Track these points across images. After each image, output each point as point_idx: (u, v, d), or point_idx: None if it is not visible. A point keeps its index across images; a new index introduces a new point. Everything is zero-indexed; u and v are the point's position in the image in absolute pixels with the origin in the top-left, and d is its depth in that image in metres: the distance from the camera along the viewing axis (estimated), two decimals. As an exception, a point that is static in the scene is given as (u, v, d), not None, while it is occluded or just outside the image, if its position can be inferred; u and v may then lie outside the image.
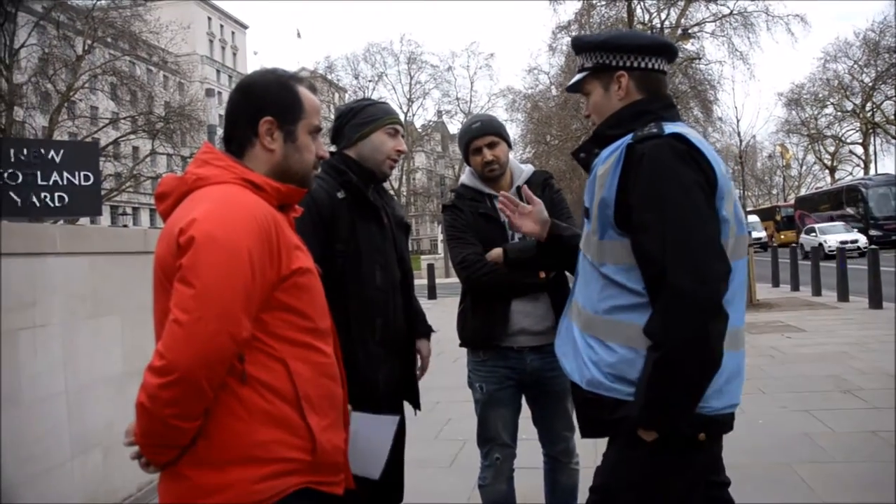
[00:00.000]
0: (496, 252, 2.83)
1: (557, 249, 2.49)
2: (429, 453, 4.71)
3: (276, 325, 1.57)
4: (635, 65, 1.91)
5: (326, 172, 2.52)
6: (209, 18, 65.13)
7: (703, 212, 1.70)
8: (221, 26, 67.84)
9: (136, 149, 38.58)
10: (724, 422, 1.80)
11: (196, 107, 34.98)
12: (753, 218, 41.89)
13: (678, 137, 1.75)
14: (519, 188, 2.98)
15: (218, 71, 64.08)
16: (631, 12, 25.54)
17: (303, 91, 1.76)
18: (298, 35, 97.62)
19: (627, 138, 1.78)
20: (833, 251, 23.65)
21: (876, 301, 11.37)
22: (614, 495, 1.84)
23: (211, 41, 65.24)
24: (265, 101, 1.71)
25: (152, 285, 1.59)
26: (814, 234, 29.73)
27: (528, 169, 3.08)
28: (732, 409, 1.82)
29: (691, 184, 1.70)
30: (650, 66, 1.92)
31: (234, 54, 68.75)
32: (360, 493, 2.29)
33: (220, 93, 59.45)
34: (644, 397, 1.69)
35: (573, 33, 30.21)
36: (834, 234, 28.70)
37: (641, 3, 28.39)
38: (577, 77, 2.02)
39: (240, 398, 1.52)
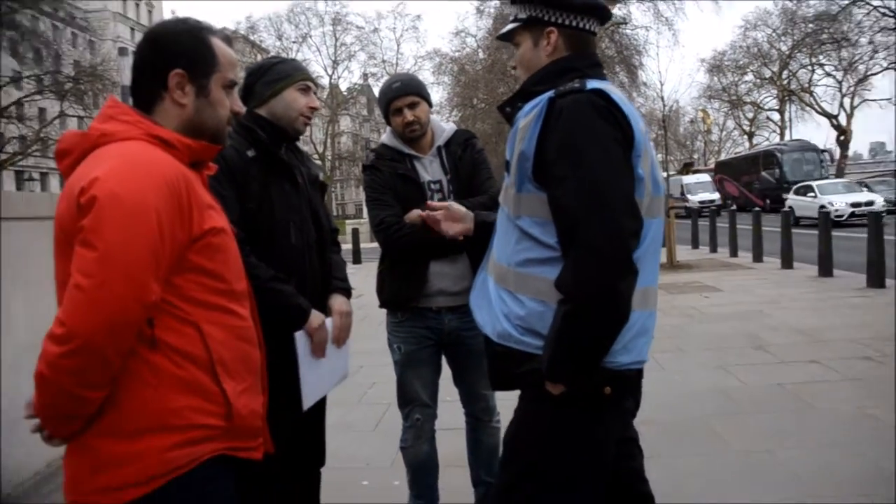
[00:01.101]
0: (415, 213, 2.79)
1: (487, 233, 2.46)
2: (352, 417, 4.69)
3: (189, 288, 1.50)
4: (566, 22, 1.89)
5: (236, 132, 2.44)
6: (120, -28, 61.81)
7: (618, 167, 1.70)
8: (135, -20, 64.60)
9: (42, 110, 36.53)
10: (630, 377, 1.81)
11: (109, 66, 33.38)
12: (704, 177, 40.16)
13: (599, 93, 1.74)
14: (443, 146, 2.94)
15: (132, 29, 60.74)
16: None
17: (216, 43, 1.66)
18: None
19: (550, 93, 1.77)
20: (842, 217, 21.10)
21: (788, 261, 11.89)
22: (525, 449, 1.84)
23: (123, -4, 62.11)
24: (175, 53, 1.61)
25: (53, 249, 1.49)
26: (811, 194, 24.06)
27: (450, 128, 3.04)
28: (639, 366, 1.83)
29: (608, 139, 1.70)
30: (581, 25, 1.90)
31: (150, 12, 65.39)
32: (280, 457, 2.28)
33: (134, 52, 56.97)
34: (551, 350, 1.68)
35: (501, -3, 30.14)
36: (839, 195, 23.42)
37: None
38: (509, 27, 1.99)
39: (150, 364, 1.44)
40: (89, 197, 1.37)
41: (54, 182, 49.01)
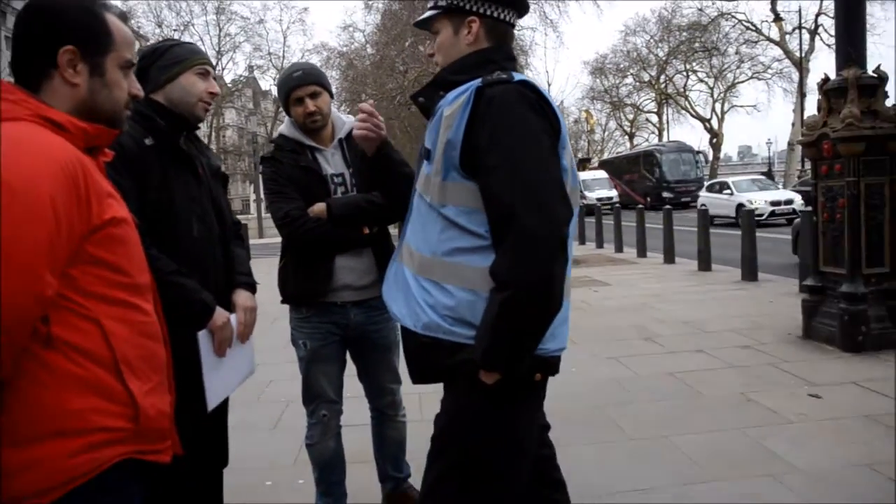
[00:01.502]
0: (319, 207, 2.72)
1: (383, 168, 2.55)
2: (251, 416, 4.54)
3: (88, 282, 1.37)
4: (488, 12, 1.89)
5: (132, 119, 2.27)
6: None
7: (549, 157, 1.72)
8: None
9: None
10: (554, 364, 1.85)
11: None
12: (601, 174, 38.36)
13: (526, 84, 1.76)
14: (344, 139, 2.88)
15: (-2, 10, 56.84)
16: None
17: (111, 19, 1.53)
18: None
19: (476, 82, 1.76)
20: (762, 216, 18.39)
21: (670, 257, 12.48)
22: (456, 441, 1.82)
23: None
24: (65, 27, 1.47)
25: None
26: (727, 191, 22.64)
27: (350, 120, 2.97)
28: (561, 353, 1.86)
29: (538, 130, 1.72)
30: (501, 16, 1.91)
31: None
32: (183, 459, 2.16)
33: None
34: (488, 338, 1.67)
35: (389, -9, 30.06)
36: (757, 193, 21.65)
37: (459, -34, 28.68)
38: (428, 14, 1.97)
39: (45, 364, 1.31)
40: None
41: None
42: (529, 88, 1.75)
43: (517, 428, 1.82)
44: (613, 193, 34.50)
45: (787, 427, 4.01)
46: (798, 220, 12.79)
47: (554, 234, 1.65)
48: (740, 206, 13.80)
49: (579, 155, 61.78)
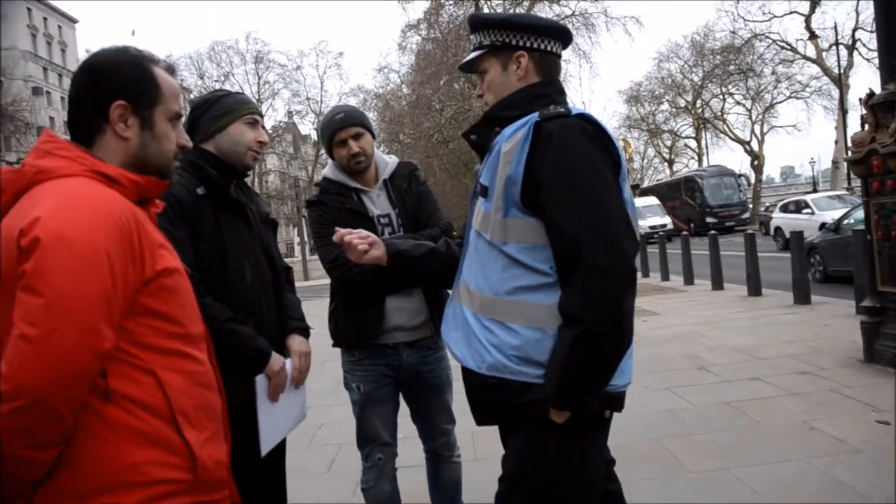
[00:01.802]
0: (343, 233, 2.58)
1: (404, 266, 2.31)
2: (305, 459, 4.53)
3: (142, 333, 1.40)
4: (535, 45, 1.89)
5: (183, 168, 2.34)
6: (29, 10, 58.93)
7: (614, 190, 1.71)
8: (45, 19, 61.83)
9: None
10: (621, 399, 1.82)
11: (21, 107, 32.19)
12: (653, 200, 35.71)
13: (585, 118, 1.76)
14: (389, 179, 2.89)
15: (45, 69, 58.90)
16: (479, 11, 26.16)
17: (159, 73, 1.58)
18: (133, 33, 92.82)
19: (534, 116, 1.75)
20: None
21: (718, 283, 12.24)
22: (529, 480, 1.78)
23: (34, 35, 59.49)
24: (116, 83, 1.52)
25: None
26: (807, 210, 19.99)
27: (393, 161, 2.99)
28: (626, 387, 1.83)
29: (600, 163, 1.71)
30: (549, 48, 1.91)
31: (63, 51, 63.47)
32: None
33: (48, 92, 54.84)
34: (559, 376, 1.65)
35: (422, 33, 30.67)
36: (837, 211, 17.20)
37: (488, 3, 29.09)
38: (474, 54, 1.97)
39: (104, 418, 1.33)
40: (31, 239, 1.27)
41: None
42: (589, 121, 1.75)
43: (588, 464, 1.79)
44: (667, 220, 32.62)
45: (854, 456, 3.85)
46: (814, 236, 12.48)
47: (623, 267, 1.63)
48: (824, 224, 12.98)
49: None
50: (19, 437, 1.22)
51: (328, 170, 2.95)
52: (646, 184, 53.22)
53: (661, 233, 20.80)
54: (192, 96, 43.05)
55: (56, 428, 1.26)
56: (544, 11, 30.58)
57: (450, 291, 2.05)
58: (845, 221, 11.61)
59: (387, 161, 2.97)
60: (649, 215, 32.68)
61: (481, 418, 1.90)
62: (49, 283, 1.25)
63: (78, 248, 1.28)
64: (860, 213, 11.89)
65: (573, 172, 1.68)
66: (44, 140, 1.49)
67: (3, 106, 31.04)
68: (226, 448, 1.60)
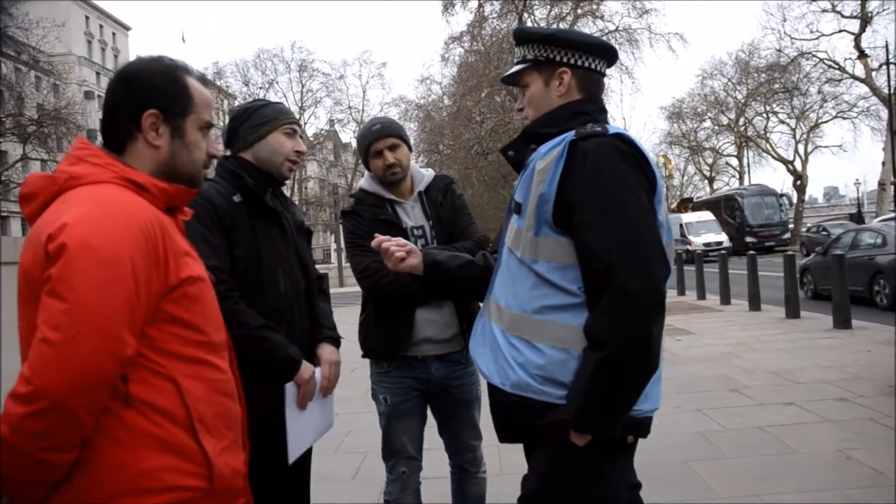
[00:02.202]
0: (381, 240, 2.64)
1: (440, 276, 2.34)
2: (330, 466, 4.55)
3: (164, 340, 1.41)
4: (579, 63, 1.88)
5: (221, 176, 2.39)
6: (87, 17, 61.20)
7: (647, 213, 1.69)
8: (101, 26, 64.03)
9: (3, 153, 35.90)
10: (647, 425, 1.79)
11: (73, 110, 33.03)
12: (707, 215, 33.52)
13: (622, 138, 1.73)
14: (424, 192, 2.90)
15: (98, 73, 60.44)
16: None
17: (192, 82, 1.61)
18: (183, 39, 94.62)
19: (570, 134, 1.74)
20: None
21: (755, 304, 12.02)
22: (548, 499, 1.77)
23: (89, 41, 61.60)
24: (150, 92, 1.55)
25: (17, 299, 1.39)
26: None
27: (429, 174, 3.00)
28: (654, 413, 1.80)
29: (635, 184, 1.69)
30: (593, 66, 1.89)
31: (116, 56, 65.15)
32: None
33: (100, 96, 56.09)
34: (581, 399, 1.63)
35: (465, 45, 30.75)
36: None
37: (532, 17, 29.09)
38: (517, 68, 1.96)
39: (124, 423, 1.35)
40: (58, 244, 1.29)
41: (15, 225, 47.87)
42: (625, 141, 1.72)
43: (608, 489, 1.77)
44: (723, 238, 30.31)
45: (892, 489, 3.72)
46: (809, 257, 13.97)
47: (653, 293, 1.61)
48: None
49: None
50: (38, 440, 1.24)
51: (364, 181, 2.97)
52: (685, 201, 52.57)
53: (720, 250, 19.21)
54: (236, 102, 43.82)
55: (75, 432, 1.28)
56: (588, 27, 30.46)
57: (481, 304, 2.05)
58: (833, 245, 13.14)
59: (423, 174, 2.98)
60: (704, 231, 30.40)
61: (504, 435, 1.89)
62: (73, 288, 1.27)
63: (103, 255, 1.30)
64: (847, 238, 13.05)
65: (606, 193, 1.65)
66: (77, 147, 1.52)
67: (57, 109, 31.85)
68: (244, 457, 1.61)
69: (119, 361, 1.31)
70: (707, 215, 33.64)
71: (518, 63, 1.96)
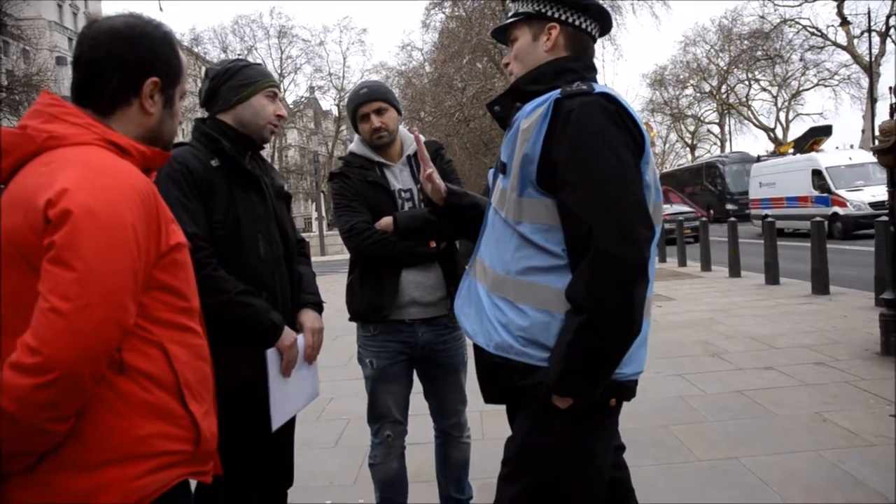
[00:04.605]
0: (386, 220, 2.73)
1: (456, 216, 2.37)
2: (312, 434, 4.57)
3: (154, 307, 1.39)
4: (570, 20, 1.83)
5: (198, 140, 2.33)
6: (55, -19, 59.84)
7: (631, 174, 1.64)
8: (72, -10, 62.72)
9: (-29, 121, 35.17)
10: (631, 388, 1.78)
11: (46, 77, 32.29)
12: (863, 154, 19.51)
13: (608, 97, 1.68)
14: (413, 156, 2.89)
15: (70, 39, 58.72)
16: (507, -8, 25.83)
17: (180, 52, 1.59)
18: (161, 9, 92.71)
19: (555, 93, 1.69)
20: None
21: (735, 270, 12.13)
22: (531, 465, 1.76)
23: (60, 6, 59.51)
24: (155, 59, 1.51)
25: None
26: None
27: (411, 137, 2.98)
28: (638, 376, 1.80)
29: (620, 145, 1.64)
30: (583, 26, 1.85)
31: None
32: (252, 478, 2.16)
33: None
34: (563, 363, 1.62)
35: (446, 10, 30.42)
36: None
37: (513, -18, 28.75)
38: (509, 20, 1.92)
39: (118, 390, 1.33)
40: (61, 211, 1.24)
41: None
42: (611, 101, 1.67)
43: (592, 452, 1.76)
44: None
45: (867, 450, 3.81)
46: None
47: (634, 256, 1.57)
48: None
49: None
50: (46, 410, 1.22)
51: (354, 144, 2.97)
52: (667, 168, 52.69)
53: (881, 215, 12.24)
54: (214, 69, 43.07)
55: (80, 400, 1.26)
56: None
57: (467, 267, 2.03)
58: None
59: (412, 138, 2.96)
60: (861, 182, 18.41)
61: (488, 396, 1.89)
62: (81, 256, 1.23)
63: (107, 222, 1.27)
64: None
65: (588, 153, 1.61)
66: (49, 103, 1.43)
67: (28, 75, 31.12)
68: (216, 421, 1.60)
69: (122, 330, 1.29)
70: (864, 155, 19.82)
71: (510, 17, 1.92)
